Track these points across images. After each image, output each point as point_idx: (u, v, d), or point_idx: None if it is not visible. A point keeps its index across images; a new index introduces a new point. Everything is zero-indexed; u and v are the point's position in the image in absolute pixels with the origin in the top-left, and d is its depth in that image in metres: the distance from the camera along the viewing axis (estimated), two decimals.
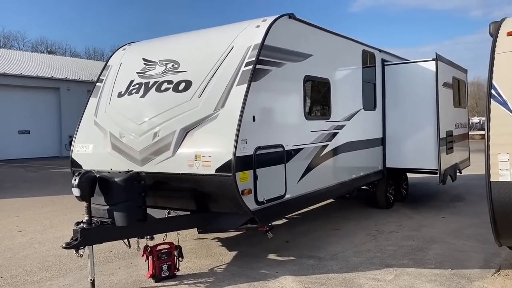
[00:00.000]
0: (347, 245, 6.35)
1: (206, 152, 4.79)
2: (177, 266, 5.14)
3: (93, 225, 4.60)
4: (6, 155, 22.53)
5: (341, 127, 6.87)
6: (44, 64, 27.63)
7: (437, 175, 8.06)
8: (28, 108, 23.69)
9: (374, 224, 7.51)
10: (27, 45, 54.04)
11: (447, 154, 8.48)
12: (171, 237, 5.67)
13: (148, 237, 4.96)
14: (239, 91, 4.83)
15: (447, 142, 8.50)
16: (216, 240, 6.63)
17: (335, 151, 6.68)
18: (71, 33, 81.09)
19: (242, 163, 4.70)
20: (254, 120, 4.91)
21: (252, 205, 4.83)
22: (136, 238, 4.94)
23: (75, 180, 4.49)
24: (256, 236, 6.26)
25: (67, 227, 7.51)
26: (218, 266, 5.48)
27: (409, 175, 9.67)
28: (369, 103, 7.97)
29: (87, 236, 4.48)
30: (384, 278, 4.95)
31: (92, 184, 4.62)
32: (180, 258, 5.14)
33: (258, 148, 4.95)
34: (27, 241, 6.98)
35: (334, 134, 6.67)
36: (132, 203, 4.65)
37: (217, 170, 4.68)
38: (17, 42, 54.33)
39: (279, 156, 5.33)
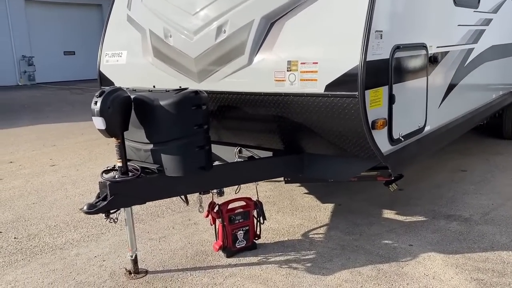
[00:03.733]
0: (493, 195, 4.38)
1: (308, 56, 2.81)
2: (258, 232, 3.44)
3: (130, 175, 2.89)
4: (52, 77, 21.62)
5: (488, 22, 4.57)
6: None
7: None
8: (72, 28, 22.20)
9: None
10: None
11: None
12: (247, 190, 3.94)
13: (215, 191, 3.22)
14: None
15: None
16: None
17: (480, 59, 4.47)
18: None
19: (374, 73, 2.70)
20: None
21: (384, 146, 2.91)
22: (197, 193, 3.20)
23: (95, 103, 2.71)
24: None
25: (108, 161, 6.00)
26: (313, 229, 3.74)
27: None
28: None
29: (120, 193, 2.80)
30: None
31: (125, 109, 2.83)
32: (262, 220, 3.41)
33: (397, 47, 2.89)
34: (58, 179, 5.54)
35: (480, 33, 4.41)
36: (190, 142, 2.85)
37: (330, 87, 2.73)
38: None
39: (421, 64, 3.25)
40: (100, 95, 2.72)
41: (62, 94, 16.52)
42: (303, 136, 3.15)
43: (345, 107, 2.69)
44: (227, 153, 3.92)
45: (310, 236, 3.60)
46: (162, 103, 2.80)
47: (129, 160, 3.09)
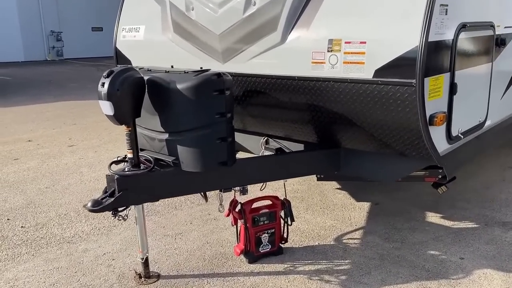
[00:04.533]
0: None
1: (354, 34, 2.34)
2: (285, 235, 3.04)
3: (141, 168, 2.52)
4: (80, 53, 21.59)
5: None
6: None
7: None
8: (100, 4, 21.99)
9: None
10: None
11: None
12: (273, 185, 3.54)
13: (238, 188, 2.82)
14: None
15: None
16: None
17: None
18: None
19: (435, 57, 2.21)
20: None
21: (442, 145, 2.43)
22: (218, 191, 2.81)
23: (103, 85, 2.33)
24: None
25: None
26: (347, 233, 3.31)
27: None
28: None
29: (130, 189, 2.43)
30: None
31: (137, 93, 2.44)
32: (289, 222, 3.01)
33: (463, 26, 2.38)
34: (74, 162, 5.26)
35: None
36: (211, 133, 2.45)
37: (380, 72, 2.25)
38: None
39: (487, 47, 2.73)
40: (108, 76, 2.33)
41: (88, 70, 16.39)
42: (342, 129, 2.70)
43: (398, 97, 2.22)
44: (252, 143, 3.52)
45: (344, 241, 3.18)
46: (179, 86, 2.39)
47: (142, 150, 2.73)
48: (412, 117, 2.23)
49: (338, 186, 4.23)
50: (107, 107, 2.36)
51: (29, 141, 6.31)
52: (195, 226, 3.48)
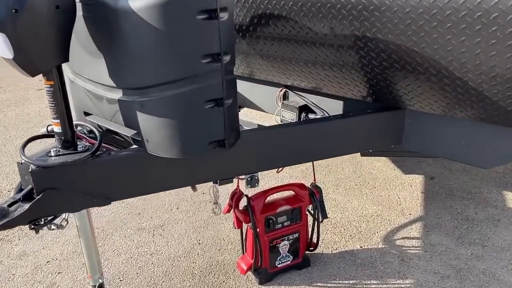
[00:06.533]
0: None
1: None
2: (316, 239, 2.03)
3: (79, 148, 1.46)
4: None
5: None
6: None
7: None
8: None
9: None
10: None
11: None
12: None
13: (243, 176, 1.76)
14: None
15: None
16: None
17: None
18: None
19: None
20: None
21: None
22: (211, 183, 1.74)
23: None
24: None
25: None
26: (399, 227, 2.32)
27: None
28: None
29: (58, 187, 1.39)
30: None
31: (58, 16, 1.31)
32: (320, 218, 1.98)
33: None
34: (39, 111, 4.22)
35: None
36: (195, 90, 1.35)
37: None
38: None
39: None
40: None
41: None
42: (411, 77, 1.59)
43: None
44: (263, 97, 2.42)
45: (397, 242, 2.19)
46: (135, 4, 1.27)
47: (87, 114, 1.68)
48: None
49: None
50: (0, 45, 1.27)
51: None
52: (183, 212, 2.49)
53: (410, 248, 2.14)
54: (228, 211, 1.91)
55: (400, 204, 2.51)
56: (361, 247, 2.15)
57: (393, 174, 2.85)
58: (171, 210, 2.51)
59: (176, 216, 2.45)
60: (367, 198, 2.58)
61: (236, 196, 1.86)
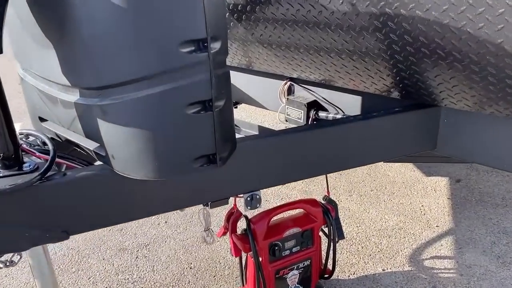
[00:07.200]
0: None
1: None
2: (332, 265, 1.68)
3: (25, 168, 1.09)
4: None
5: None
6: None
7: None
8: None
9: None
10: None
11: None
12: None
13: (243, 195, 1.40)
14: None
15: None
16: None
17: None
18: None
19: None
20: None
21: None
22: (202, 206, 1.38)
23: None
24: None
25: None
26: (427, 243, 1.97)
27: None
28: None
29: None
30: None
31: None
32: (337, 239, 1.63)
33: None
34: (19, 105, 3.84)
35: None
36: (175, 90, 0.98)
37: None
38: None
39: None
40: None
41: None
42: (448, 71, 1.23)
43: None
44: (264, 91, 2.05)
45: (426, 263, 1.85)
46: None
47: (43, 120, 1.34)
48: None
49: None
50: None
51: None
52: (172, 228, 2.14)
53: (442, 271, 1.79)
54: (224, 233, 1.56)
55: (425, 214, 2.16)
56: (383, 270, 1.81)
57: (413, 177, 2.50)
58: (158, 224, 2.16)
59: (164, 232, 2.10)
60: (386, 206, 2.23)
61: (233, 217, 1.50)
